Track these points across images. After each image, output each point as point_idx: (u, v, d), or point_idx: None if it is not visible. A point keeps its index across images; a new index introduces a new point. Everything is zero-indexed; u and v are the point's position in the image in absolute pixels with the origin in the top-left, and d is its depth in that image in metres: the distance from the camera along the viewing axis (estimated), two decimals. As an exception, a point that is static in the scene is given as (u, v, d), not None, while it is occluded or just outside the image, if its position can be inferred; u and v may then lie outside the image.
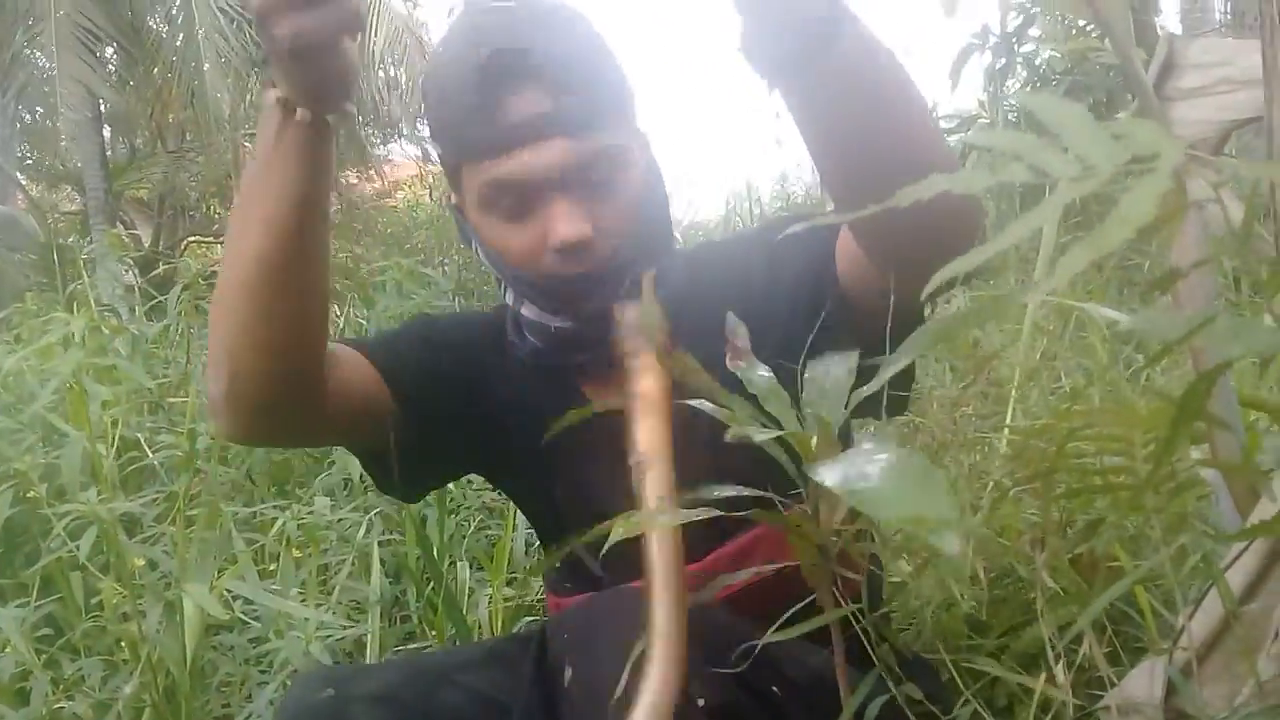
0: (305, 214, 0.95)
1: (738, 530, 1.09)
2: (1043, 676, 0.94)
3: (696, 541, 1.00)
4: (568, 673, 0.90)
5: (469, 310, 1.55)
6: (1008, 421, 1.60)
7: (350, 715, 1.03)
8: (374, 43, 9.12)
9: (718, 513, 0.72)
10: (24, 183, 13.48)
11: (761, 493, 0.72)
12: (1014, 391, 1.60)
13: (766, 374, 0.76)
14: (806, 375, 0.74)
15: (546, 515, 1.30)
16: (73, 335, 2.41)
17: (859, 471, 0.53)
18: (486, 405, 1.24)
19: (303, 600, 2.01)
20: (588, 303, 1.09)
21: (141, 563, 1.89)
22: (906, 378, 1.15)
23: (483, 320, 1.32)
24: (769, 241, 1.17)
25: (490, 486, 3.08)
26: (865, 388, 0.67)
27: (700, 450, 1.12)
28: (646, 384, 0.83)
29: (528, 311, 1.17)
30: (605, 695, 0.72)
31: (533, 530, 2.63)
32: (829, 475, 0.55)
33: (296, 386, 1.06)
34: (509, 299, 1.20)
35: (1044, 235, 1.94)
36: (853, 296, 1.04)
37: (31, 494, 1.96)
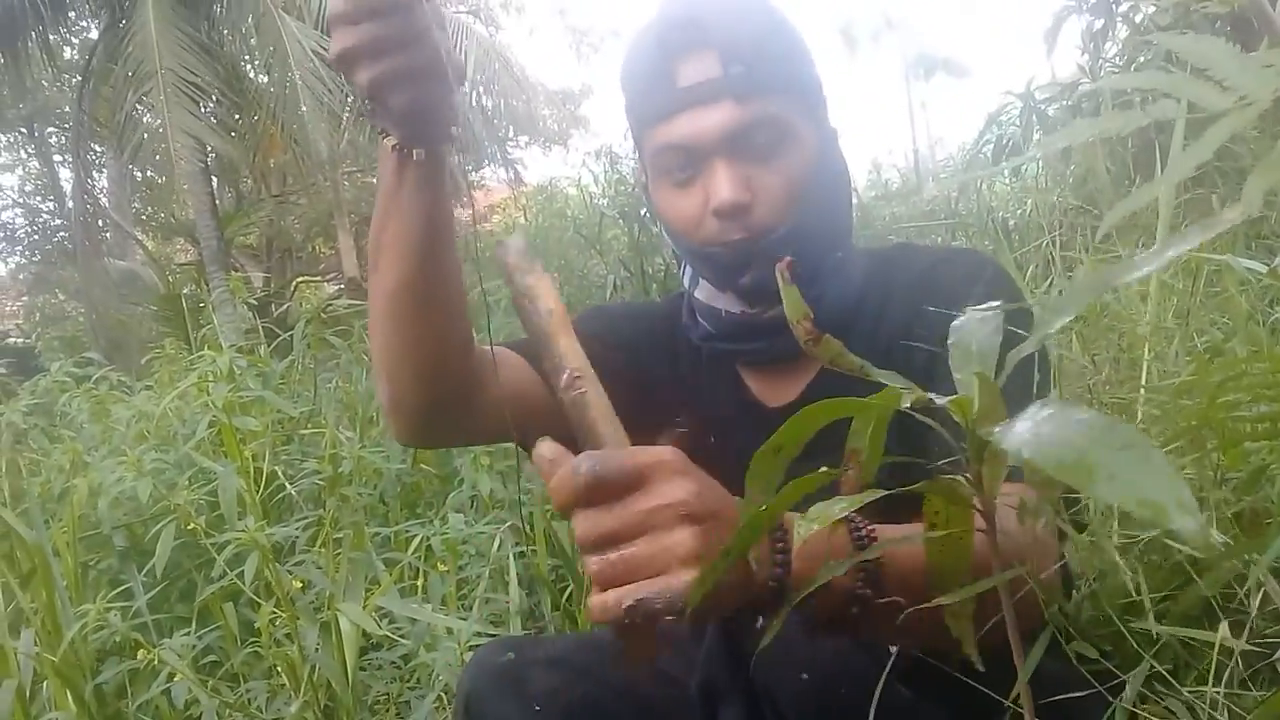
0: (433, 242, 1.02)
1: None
2: (1221, 627, 0.92)
3: None
4: (759, 617, 0.93)
5: (641, 302, 1.62)
6: (1143, 383, 1.56)
7: (528, 676, 1.11)
8: (464, 69, 9.27)
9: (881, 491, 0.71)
10: (140, 238, 14.07)
11: (926, 462, 0.71)
12: (1147, 353, 1.56)
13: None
14: (951, 340, 0.71)
15: None
16: (219, 371, 2.52)
17: (1058, 438, 0.47)
18: (653, 392, 1.27)
19: (445, 614, 2.06)
20: (747, 271, 1.12)
21: (299, 585, 1.96)
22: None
23: (655, 309, 1.37)
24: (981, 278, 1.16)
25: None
26: (1016, 350, 0.66)
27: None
28: (552, 300, 0.80)
29: (701, 294, 1.22)
30: (797, 638, 0.75)
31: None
32: (1014, 441, 0.49)
33: (449, 392, 1.12)
34: (686, 282, 1.26)
35: (1162, 196, 1.89)
36: None
37: (191, 527, 2.04)
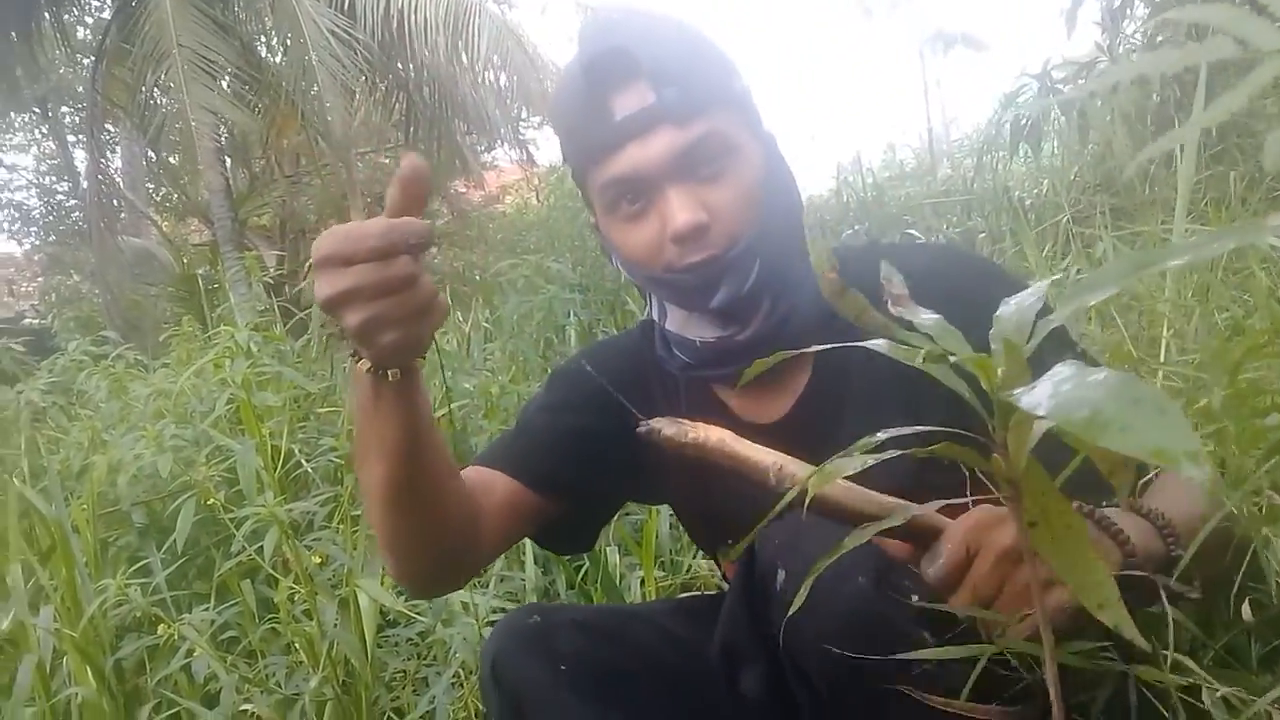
0: (415, 445, 1.01)
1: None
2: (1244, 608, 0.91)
3: None
4: (780, 575, 0.94)
5: (611, 337, 1.60)
6: (1161, 360, 1.55)
7: (553, 635, 1.16)
8: (478, 48, 9.23)
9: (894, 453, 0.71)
10: (154, 218, 14.09)
11: (953, 430, 0.71)
12: (1166, 330, 1.55)
13: (933, 315, 0.75)
14: (997, 313, 0.72)
15: (700, 517, 1.34)
16: (236, 348, 2.53)
17: (1074, 396, 0.49)
18: (634, 434, 1.27)
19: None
20: (717, 291, 1.12)
21: (319, 561, 1.97)
22: None
23: (621, 345, 1.36)
24: (972, 282, 1.14)
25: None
26: (1051, 317, 0.66)
27: (873, 408, 1.14)
28: (715, 432, 0.91)
29: (672, 325, 1.22)
30: (820, 591, 0.77)
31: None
32: (1032, 401, 0.52)
33: (451, 559, 1.19)
34: (655, 314, 1.25)
35: (1181, 172, 1.88)
36: None
37: (211, 502, 2.05)
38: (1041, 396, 0.52)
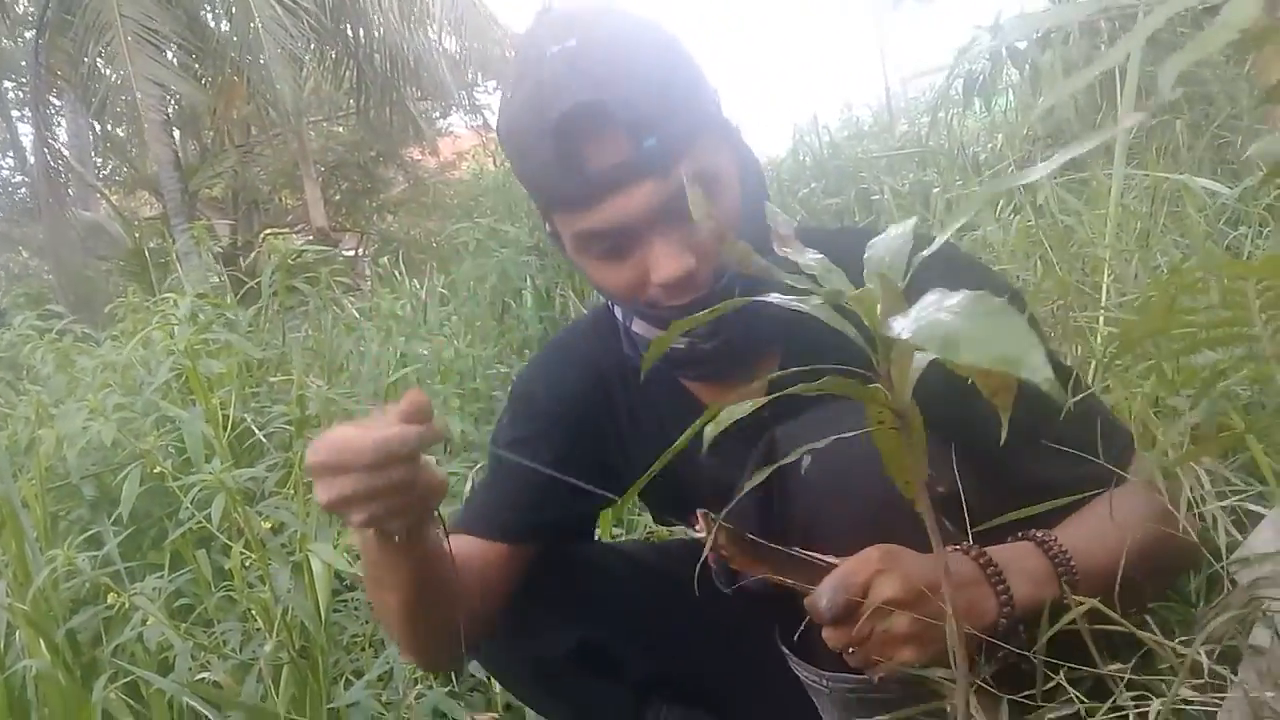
0: (425, 579, 1.06)
1: None
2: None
3: None
4: (805, 460, 0.95)
5: (560, 336, 1.49)
6: (1102, 304, 1.57)
7: None
8: (430, 11, 9.14)
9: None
10: (104, 192, 13.86)
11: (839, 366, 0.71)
12: (1107, 275, 1.57)
13: (817, 255, 0.74)
14: (868, 248, 0.73)
15: (667, 502, 1.31)
16: (181, 315, 2.50)
17: (930, 319, 0.52)
18: (602, 434, 1.27)
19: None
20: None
21: (269, 526, 1.95)
22: None
23: (577, 342, 1.33)
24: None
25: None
26: (921, 254, 0.67)
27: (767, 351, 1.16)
28: None
29: (639, 329, 1.17)
30: (848, 476, 0.80)
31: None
32: (899, 326, 0.54)
33: (471, 636, 1.20)
34: (618, 313, 1.21)
35: (1121, 110, 1.89)
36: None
37: (158, 470, 2.03)
38: (908, 322, 0.55)
